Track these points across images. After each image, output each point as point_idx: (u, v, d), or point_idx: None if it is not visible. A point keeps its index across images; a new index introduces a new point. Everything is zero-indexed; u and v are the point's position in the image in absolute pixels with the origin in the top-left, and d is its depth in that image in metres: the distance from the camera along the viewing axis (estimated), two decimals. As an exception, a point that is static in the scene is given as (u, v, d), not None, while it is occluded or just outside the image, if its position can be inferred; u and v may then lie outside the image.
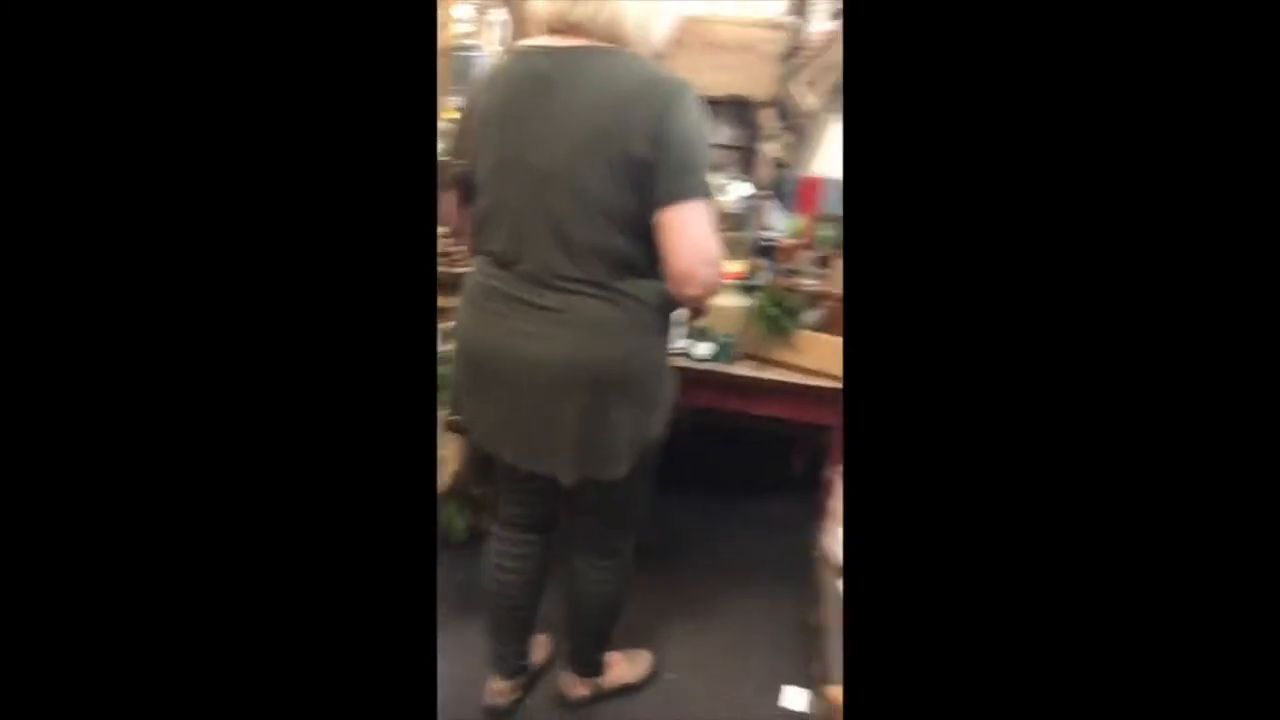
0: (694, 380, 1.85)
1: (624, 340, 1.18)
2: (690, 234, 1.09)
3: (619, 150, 1.07)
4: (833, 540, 1.74)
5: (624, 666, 1.61)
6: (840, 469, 1.96)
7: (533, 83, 1.11)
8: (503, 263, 1.18)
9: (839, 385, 1.83)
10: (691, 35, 2.08)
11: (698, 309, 1.33)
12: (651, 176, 1.07)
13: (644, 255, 1.16)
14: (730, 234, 1.94)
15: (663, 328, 1.25)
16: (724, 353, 1.87)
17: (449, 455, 1.87)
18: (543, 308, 1.16)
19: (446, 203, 1.31)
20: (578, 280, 1.14)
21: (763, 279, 1.96)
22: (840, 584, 1.63)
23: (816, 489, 2.13)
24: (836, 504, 1.78)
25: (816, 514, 2.01)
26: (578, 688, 1.54)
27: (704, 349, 1.86)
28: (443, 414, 1.67)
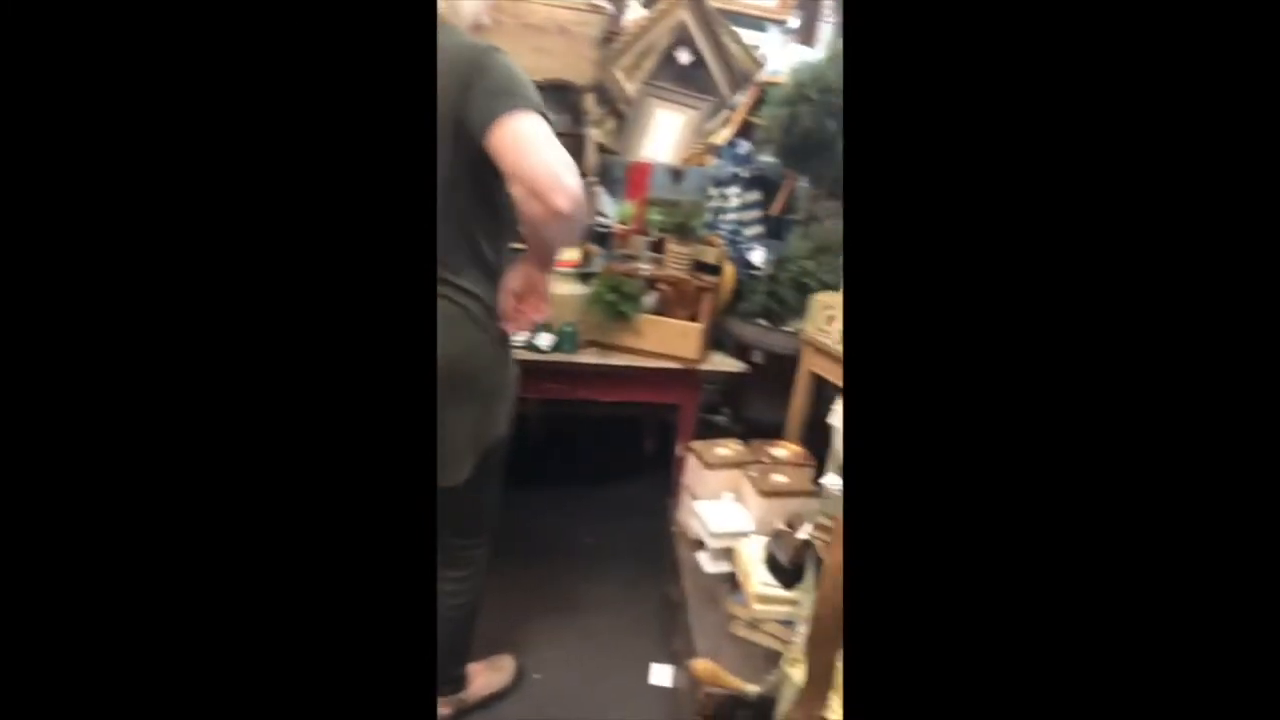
0: (540, 372, 1.82)
1: (457, 337, 1.12)
2: (536, 142, 0.98)
3: (440, 113, 0.98)
4: (687, 514, 1.79)
5: (487, 676, 1.56)
6: (687, 445, 2.02)
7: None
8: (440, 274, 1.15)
9: (682, 365, 1.88)
10: (508, 15, 2.02)
11: (567, 236, 1.16)
12: (471, 113, 0.99)
13: (477, 243, 1.10)
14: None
15: (498, 332, 1.21)
16: (567, 342, 1.85)
17: None
18: (450, 303, 1.12)
19: None
20: (455, 289, 1.10)
21: (598, 265, 1.96)
22: (698, 556, 1.68)
23: (669, 467, 2.19)
24: (692, 479, 1.82)
25: (671, 491, 2.06)
26: (441, 708, 1.47)
27: (545, 340, 1.83)
28: None
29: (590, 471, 2.50)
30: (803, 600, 1.30)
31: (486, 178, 1.06)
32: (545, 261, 1.21)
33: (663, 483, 2.35)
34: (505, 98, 0.99)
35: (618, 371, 1.90)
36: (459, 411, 1.13)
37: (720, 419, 2.39)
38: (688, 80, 2.30)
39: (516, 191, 1.01)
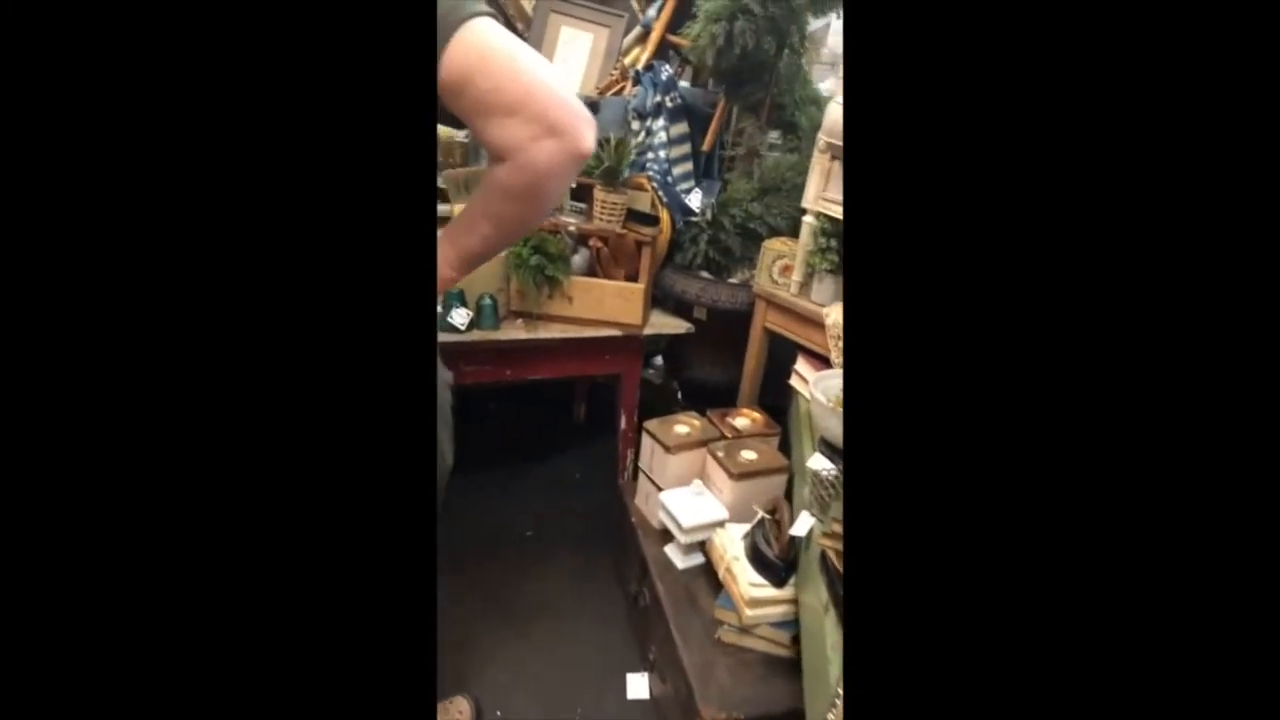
0: (458, 355, 1.54)
1: None
2: (526, 60, 0.67)
3: None
4: (648, 504, 1.59)
5: None
6: (631, 417, 1.81)
7: None
8: None
9: (623, 332, 1.65)
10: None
11: (560, 192, 0.79)
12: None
13: None
14: (468, 173, 1.60)
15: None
16: (487, 317, 1.57)
17: None
18: None
19: None
20: None
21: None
22: (667, 551, 1.50)
23: (607, 440, 1.97)
24: (651, 464, 1.62)
25: (617, 471, 1.86)
26: None
27: (460, 317, 1.54)
28: None
29: (518, 449, 2.25)
30: (806, 601, 1.15)
31: None
32: (511, 235, 0.86)
33: (602, 457, 2.14)
34: (446, 8, 0.65)
35: (549, 345, 1.64)
36: None
37: (655, 377, 2.20)
38: (595, -8, 1.97)
39: (507, 134, 0.68)
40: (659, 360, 2.25)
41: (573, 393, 2.40)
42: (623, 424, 1.84)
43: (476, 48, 0.66)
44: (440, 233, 0.83)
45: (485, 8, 0.69)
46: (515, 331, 1.60)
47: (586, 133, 0.68)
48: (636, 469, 1.70)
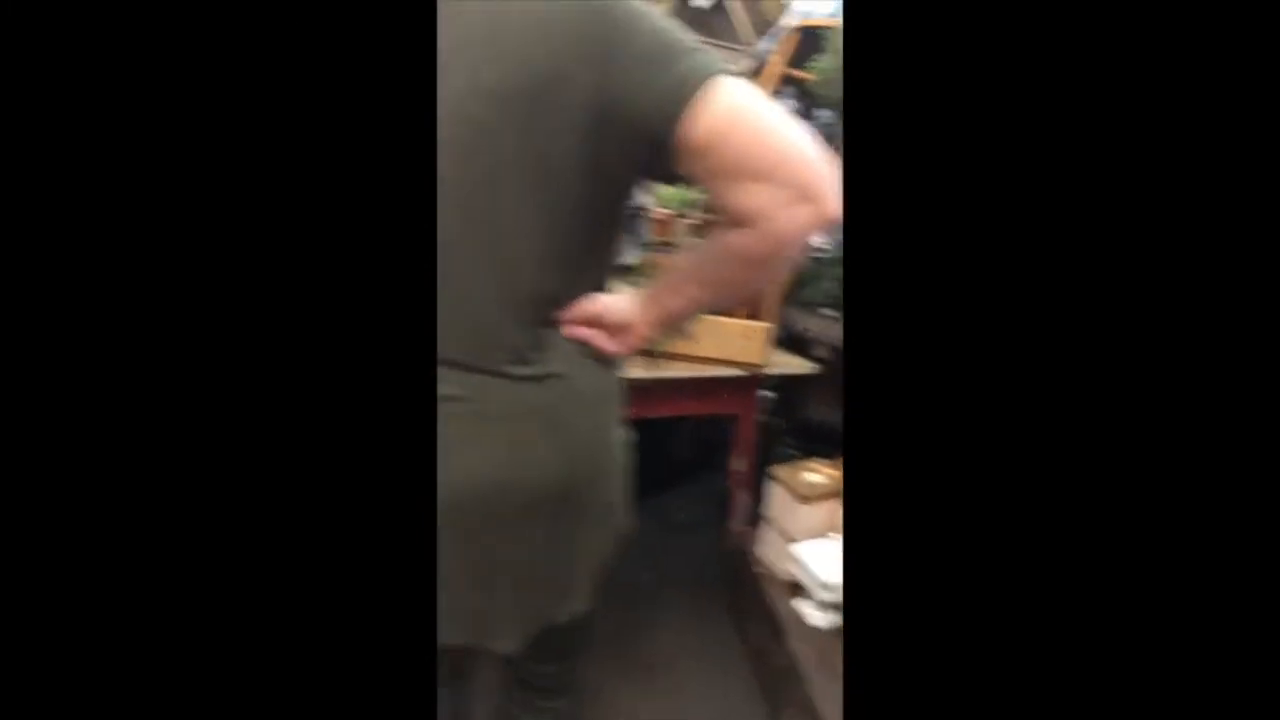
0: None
1: (570, 436, 0.73)
2: (773, 120, 0.61)
3: (552, 103, 0.62)
4: (780, 557, 1.52)
5: None
6: (746, 459, 1.74)
7: (448, 22, 0.63)
8: None
9: (746, 371, 1.60)
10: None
11: (796, 257, 0.70)
12: (627, 95, 0.62)
13: (575, 295, 0.71)
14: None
15: (617, 398, 0.80)
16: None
17: None
18: (442, 398, 0.69)
19: None
20: (484, 349, 0.68)
21: (634, 258, 1.62)
22: (800, 608, 1.42)
23: (709, 479, 1.91)
24: (781, 514, 1.54)
25: (726, 514, 1.79)
26: None
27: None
28: None
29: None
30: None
31: (617, 195, 0.70)
32: (724, 300, 0.80)
33: (704, 497, 2.07)
34: (685, 62, 0.61)
35: (670, 384, 1.59)
36: (573, 536, 0.77)
37: (778, 422, 2.12)
38: (708, 28, 1.95)
39: (755, 200, 0.62)
40: (764, 395, 2.18)
41: (669, 428, 2.34)
42: (735, 465, 1.77)
43: (725, 108, 0.61)
44: (640, 291, 0.78)
45: (726, 64, 0.64)
46: (637, 369, 1.55)
47: (836, 197, 0.63)
48: (756, 515, 1.63)
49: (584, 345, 0.73)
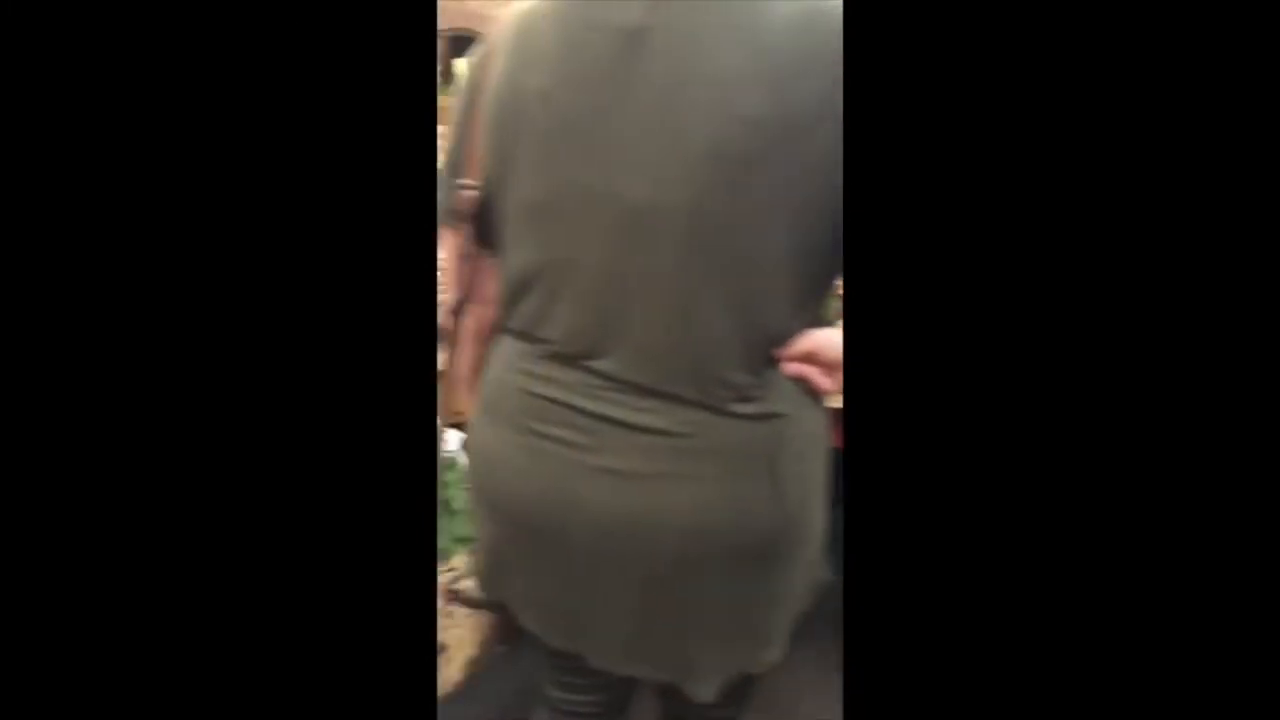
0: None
1: (785, 479, 0.69)
2: None
3: (791, 145, 0.60)
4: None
5: None
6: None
7: (609, 43, 0.63)
8: (566, 356, 0.69)
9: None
10: None
11: None
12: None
13: (795, 325, 0.68)
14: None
15: (828, 438, 0.76)
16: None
17: (462, 639, 1.13)
18: (649, 431, 0.67)
19: (450, 251, 0.77)
20: (709, 384, 0.66)
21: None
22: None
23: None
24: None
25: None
26: None
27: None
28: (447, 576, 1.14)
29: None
30: None
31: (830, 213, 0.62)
32: None
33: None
34: None
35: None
36: (778, 582, 0.73)
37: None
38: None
39: None
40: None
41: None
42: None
43: None
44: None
45: None
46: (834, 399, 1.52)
47: None
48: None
49: (802, 383, 0.70)
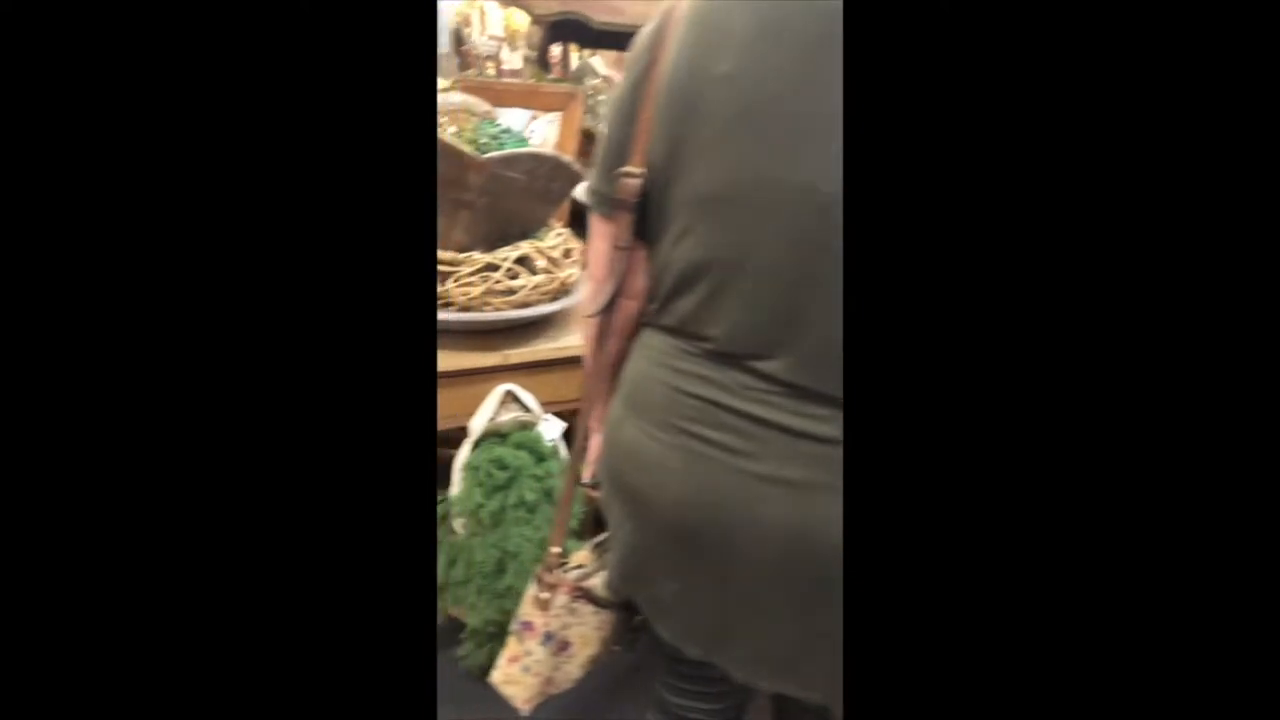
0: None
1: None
2: None
3: None
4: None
5: None
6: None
7: (805, 26, 0.59)
8: (726, 356, 0.66)
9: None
10: None
11: None
12: None
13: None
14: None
15: None
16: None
17: (586, 637, 0.98)
18: (815, 438, 0.63)
19: (605, 240, 0.74)
20: None
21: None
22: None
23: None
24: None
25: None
26: None
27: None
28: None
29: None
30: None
31: None
32: None
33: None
34: None
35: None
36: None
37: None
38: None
39: None
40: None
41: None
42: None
43: None
44: None
45: None
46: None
47: None
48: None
49: None
